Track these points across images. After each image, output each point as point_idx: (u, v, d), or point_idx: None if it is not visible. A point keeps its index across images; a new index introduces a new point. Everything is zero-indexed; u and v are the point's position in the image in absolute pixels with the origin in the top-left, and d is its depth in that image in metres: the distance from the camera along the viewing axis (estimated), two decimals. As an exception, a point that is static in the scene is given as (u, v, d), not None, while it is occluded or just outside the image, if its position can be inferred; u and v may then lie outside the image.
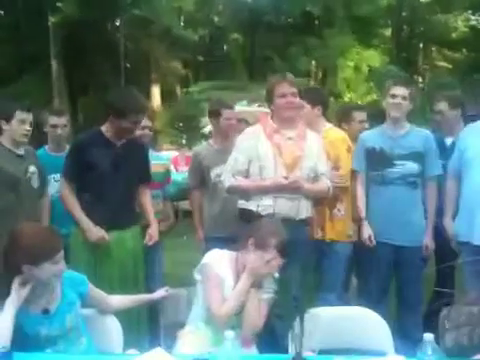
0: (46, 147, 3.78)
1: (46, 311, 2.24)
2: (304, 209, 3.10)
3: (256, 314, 2.47)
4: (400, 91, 3.34)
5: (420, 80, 27.19)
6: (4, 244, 2.23)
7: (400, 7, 26.03)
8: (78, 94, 19.71)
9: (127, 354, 2.28)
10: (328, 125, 3.61)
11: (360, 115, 4.01)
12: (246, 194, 3.12)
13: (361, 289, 3.68)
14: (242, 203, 3.16)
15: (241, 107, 4.19)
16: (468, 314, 2.22)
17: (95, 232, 3.10)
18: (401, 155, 3.33)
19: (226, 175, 3.18)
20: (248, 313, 2.46)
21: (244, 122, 4.05)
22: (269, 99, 3.17)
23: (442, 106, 3.76)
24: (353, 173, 3.51)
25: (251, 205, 3.10)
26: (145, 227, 3.35)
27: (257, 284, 2.49)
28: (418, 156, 3.32)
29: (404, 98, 3.33)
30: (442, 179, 3.43)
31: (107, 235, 3.12)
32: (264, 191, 3.04)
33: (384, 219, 3.36)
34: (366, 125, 3.95)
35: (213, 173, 3.68)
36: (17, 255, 2.13)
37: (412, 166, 3.31)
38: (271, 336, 2.84)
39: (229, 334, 1.92)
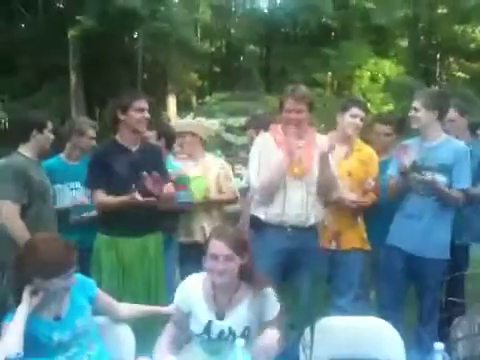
0: (61, 155, 3.82)
1: (57, 317, 2.27)
2: (313, 216, 3.11)
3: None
4: (413, 103, 3.32)
5: (437, 90, 26.94)
6: (20, 253, 2.25)
7: (417, 18, 25.93)
8: (96, 106, 19.92)
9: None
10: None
11: (380, 128, 3.93)
12: (273, 185, 3.08)
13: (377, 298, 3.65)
14: (252, 210, 3.18)
15: (186, 120, 4.17)
16: (481, 324, 2.20)
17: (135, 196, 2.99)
18: (430, 167, 3.26)
19: (253, 184, 3.17)
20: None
21: (190, 134, 4.05)
22: (280, 110, 3.22)
23: (452, 114, 3.74)
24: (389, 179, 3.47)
25: (259, 212, 3.11)
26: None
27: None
28: (446, 169, 3.25)
29: (416, 109, 3.29)
30: None
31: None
32: (282, 167, 3.04)
33: (405, 227, 3.34)
34: (387, 138, 3.88)
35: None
36: (30, 267, 2.15)
37: (439, 179, 3.24)
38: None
39: (240, 342, 1.93)
